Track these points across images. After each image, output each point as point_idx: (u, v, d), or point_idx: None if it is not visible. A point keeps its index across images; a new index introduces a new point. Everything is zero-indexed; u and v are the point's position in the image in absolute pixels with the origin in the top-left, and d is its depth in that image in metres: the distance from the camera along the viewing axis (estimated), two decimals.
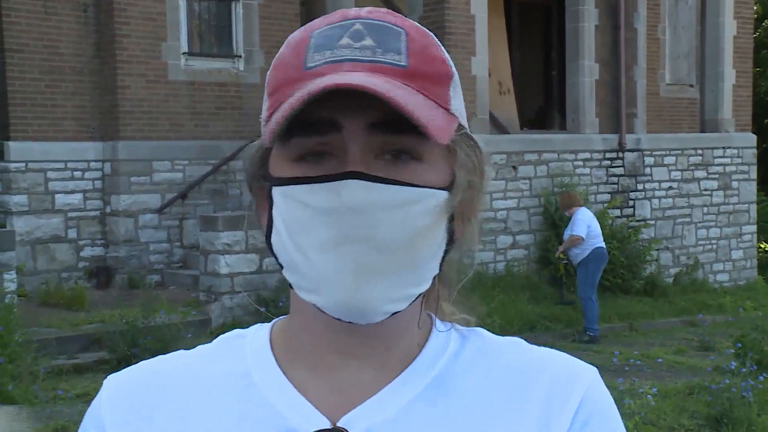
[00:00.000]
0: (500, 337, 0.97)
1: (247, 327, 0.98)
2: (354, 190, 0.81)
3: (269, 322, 0.98)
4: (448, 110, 0.86)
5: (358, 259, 0.81)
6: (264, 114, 0.87)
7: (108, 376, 0.97)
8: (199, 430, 0.89)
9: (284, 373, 0.90)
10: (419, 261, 0.84)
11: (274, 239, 0.87)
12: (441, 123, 0.82)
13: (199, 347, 0.97)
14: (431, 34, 0.89)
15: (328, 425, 0.86)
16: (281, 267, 0.88)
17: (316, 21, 0.89)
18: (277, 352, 0.92)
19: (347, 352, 0.89)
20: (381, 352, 0.89)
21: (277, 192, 0.85)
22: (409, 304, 0.86)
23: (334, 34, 0.85)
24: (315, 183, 0.82)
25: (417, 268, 0.85)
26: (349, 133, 0.82)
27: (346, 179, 0.81)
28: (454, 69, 0.89)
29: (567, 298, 11.24)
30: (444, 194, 0.85)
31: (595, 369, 0.94)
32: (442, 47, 0.90)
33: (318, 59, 0.84)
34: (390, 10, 0.89)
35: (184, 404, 0.91)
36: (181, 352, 0.98)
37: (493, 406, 0.89)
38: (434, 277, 0.88)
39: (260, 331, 0.96)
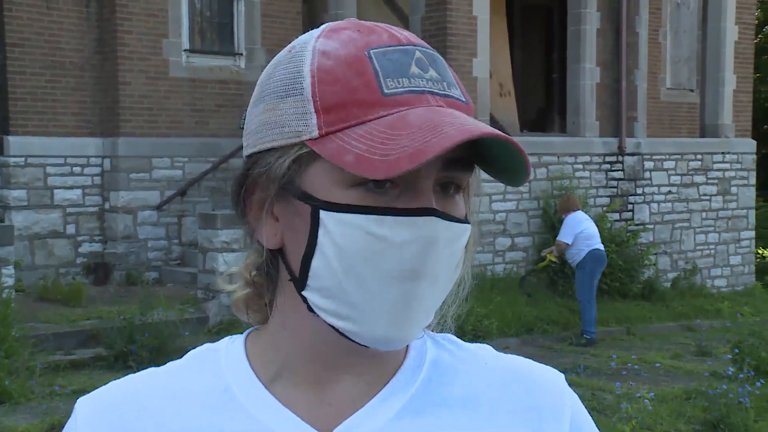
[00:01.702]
0: (470, 343, 0.99)
1: (244, 325, 0.96)
2: (434, 227, 0.81)
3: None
4: None
5: (417, 294, 0.82)
6: (307, 126, 0.82)
7: (78, 399, 0.94)
8: None
9: (266, 387, 0.89)
10: (446, 292, 0.87)
11: (316, 263, 0.83)
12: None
13: (169, 364, 0.95)
14: None
15: None
16: (302, 287, 0.85)
17: (352, 34, 0.85)
18: (255, 366, 0.91)
19: (344, 368, 0.88)
20: (371, 365, 0.89)
21: (331, 217, 0.81)
22: None
23: (402, 59, 0.83)
24: (391, 215, 0.80)
25: (442, 299, 0.87)
26: (426, 170, 0.81)
27: (426, 216, 0.81)
28: None
29: (527, 289, 11.30)
30: (469, 227, 0.87)
31: (562, 374, 1.00)
32: None
33: (395, 86, 0.81)
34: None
35: (165, 423, 0.89)
36: (153, 369, 0.95)
37: (480, 414, 0.91)
38: None
39: (233, 344, 0.94)
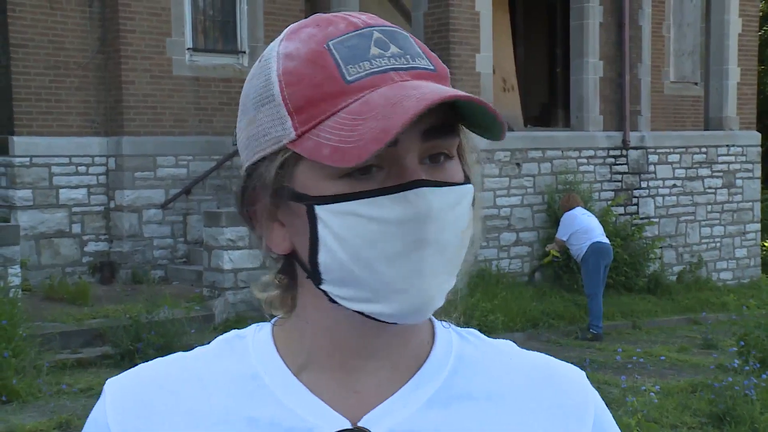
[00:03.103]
0: (492, 339, 1.00)
1: (251, 323, 0.97)
2: (425, 197, 0.82)
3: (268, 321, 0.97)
4: None
5: (428, 263, 0.82)
6: (284, 130, 0.84)
7: (108, 381, 0.94)
8: None
9: (295, 375, 0.90)
10: (461, 255, 0.87)
11: (323, 258, 0.84)
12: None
13: (197, 349, 0.96)
14: None
15: (348, 426, 0.87)
16: (319, 282, 0.86)
17: (311, 30, 0.86)
18: (283, 354, 0.92)
19: (370, 354, 0.89)
20: (399, 351, 0.90)
21: (326, 210, 0.83)
22: None
23: (360, 44, 0.84)
24: (381, 195, 0.82)
25: (458, 263, 0.87)
26: (405, 144, 0.82)
27: (414, 188, 0.81)
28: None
29: (536, 279, 11.41)
30: (472, 187, 0.88)
31: (583, 371, 1.01)
32: None
33: (357, 72, 0.82)
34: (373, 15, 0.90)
35: (193, 408, 0.89)
36: (181, 354, 0.96)
37: (506, 409, 0.92)
38: None
39: (260, 332, 0.95)
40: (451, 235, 0.84)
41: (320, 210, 0.83)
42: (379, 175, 0.82)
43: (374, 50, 0.84)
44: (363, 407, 0.88)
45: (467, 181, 0.88)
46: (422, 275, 0.82)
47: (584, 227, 10.35)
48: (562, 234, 10.56)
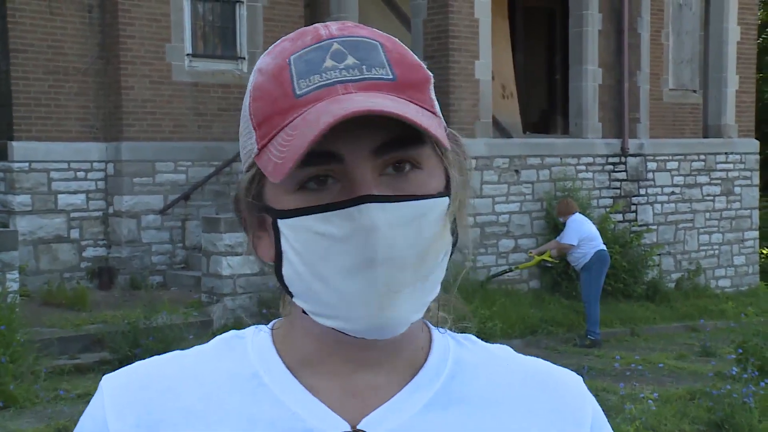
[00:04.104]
0: (490, 344, 1.00)
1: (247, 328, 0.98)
2: (369, 213, 0.80)
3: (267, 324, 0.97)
4: (434, 113, 0.87)
5: (382, 280, 0.81)
6: (252, 145, 0.85)
7: (104, 377, 0.94)
8: None
9: (294, 375, 0.90)
10: (433, 269, 0.85)
11: (286, 271, 0.85)
12: (439, 129, 0.83)
13: (196, 348, 0.96)
14: (400, 41, 0.90)
15: (347, 428, 0.87)
16: (290, 296, 0.87)
17: (286, 44, 0.87)
18: (282, 355, 0.92)
19: (362, 360, 0.89)
20: (392, 359, 0.90)
21: (284, 224, 0.84)
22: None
23: (315, 57, 0.84)
24: (327, 211, 0.81)
25: (431, 275, 0.86)
26: (352, 161, 0.82)
27: (359, 204, 0.81)
28: (429, 71, 0.90)
29: (490, 283, 11.28)
30: (446, 200, 0.86)
31: (580, 377, 1.00)
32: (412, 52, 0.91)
33: (307, 86, 0.83)
34: (358, 24, 0.89)
35: (191, 407, 0.89)
36: (179, 352, 0.96)
37: (503, 413, 0.92)
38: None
39: (260, 333, 0.95)
40: (408, 250, 0.82)
41: (281, 223, 0.84)
42: (334, 188, 0.83)
43: (328, 62, 0.84)
44: (362, 410, 0.88)
45: (445, 190, 0.87)
46: (379, 293, 0.82)
47: (591, 234, 10.36)
48: (571, 239, 10.35)
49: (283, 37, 0.90)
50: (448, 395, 0.91)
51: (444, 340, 0.95)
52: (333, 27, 0.87)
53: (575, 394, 0.97)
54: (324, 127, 0.76)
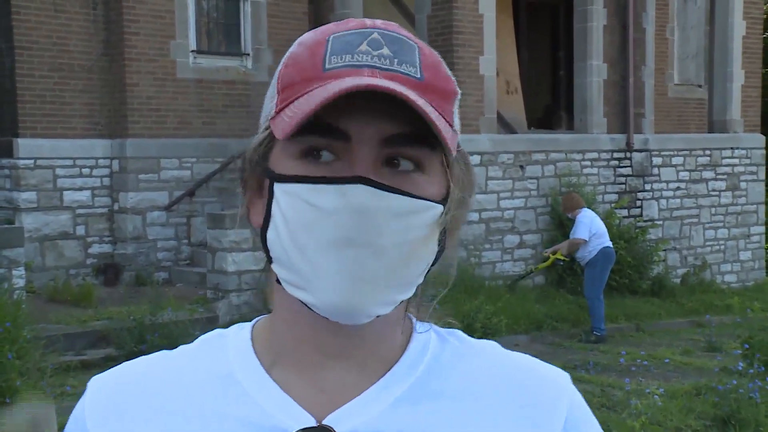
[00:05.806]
0: (476, 339, 1.00)
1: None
2: (361, 194, 0.82)
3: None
4: (452, 126, 0.88)
5: (357, 262, 0.82)
6: (271, 108, 0.88)
7: (92, 378, 0.98)
8: (182, 431, 0.90)
9: (267, 372, 0.91)
10: (411, 269, 0.86)
11: (270, 234, 0.87)
12: (450, 136, 0.85)
13: (180, 347, 0.99)
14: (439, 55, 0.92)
15: (313, 423, 0.87)
16: (269, 261, 0.89)
17: (331, 25, 0.90)
18: (258, 351, 0.93)
19: (330, 352, 0.90)
20: (363, 354, 0.91)
21: (279, 188, 0.86)
22: (393, 309, 0.88)
23: (353, 40, 0.87)
24: (322, 183, 0.83)
25: (407, 276, 0.86)
26: (358, 143, 0.83)
27: (354, 183, 0.82)
28: (458, 89, 0.91)
29: (516, 288, 11.25)
30: (441, 208, 0.87)
31: (567, 374, 1.00)
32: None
33: (337, 62, 0.85)
34: (400, 26, 0.91)
35: (166, 405, 0.91)
36: (164, 352, 0.99)
37: (477, 407, 0.92)
38: (417, 285, 0.90)
39: (241, 331, 0.97)
40: (390, 242, 0.83)
41: (276, 187, 0.86)
42: (336, 165, 0.84)
43: (363, 47, 0.86)
44: (330, 406, 0.89)
45: (442, 201, 0.87)
46: (350, 275, 0.83)
47: (600, 230, 10.33)
48: (583, 234, 10.25)
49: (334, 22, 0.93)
50: (421, 390, 0.91)
51: (425, 337, 0.95)
52: (378, 21, 0.90)
53: (554, 387, 0.95)
54: (338, 90, 0.78)
